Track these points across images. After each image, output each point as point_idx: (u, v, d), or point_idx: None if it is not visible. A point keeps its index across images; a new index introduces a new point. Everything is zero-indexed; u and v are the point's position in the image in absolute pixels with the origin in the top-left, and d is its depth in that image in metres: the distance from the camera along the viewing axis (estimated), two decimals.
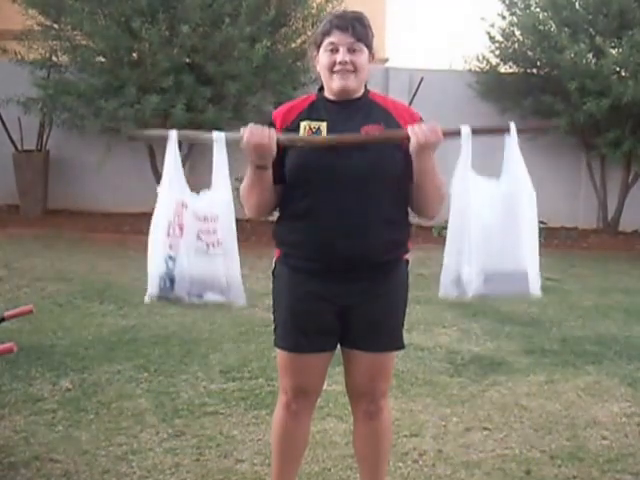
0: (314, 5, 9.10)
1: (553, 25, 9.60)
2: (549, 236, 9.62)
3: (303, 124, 2.44)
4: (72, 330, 5.04)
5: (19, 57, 8.86)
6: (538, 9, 9.82)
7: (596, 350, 5.04)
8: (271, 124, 2.44)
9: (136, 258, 7.34)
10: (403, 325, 2.60)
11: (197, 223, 2.34)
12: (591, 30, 9.39)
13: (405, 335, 2.62)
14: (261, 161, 2.35)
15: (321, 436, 3.51)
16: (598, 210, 10.29)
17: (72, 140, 9.60)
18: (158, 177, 9.15)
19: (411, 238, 2.56)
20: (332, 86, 2.44)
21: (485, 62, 10.12)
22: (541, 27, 9.60)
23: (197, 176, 10.24)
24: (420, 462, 3.32)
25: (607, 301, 6.52)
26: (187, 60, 8.65)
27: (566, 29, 9.31)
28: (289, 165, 2.43)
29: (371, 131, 2.41)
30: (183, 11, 8.38)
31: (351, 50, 2.40)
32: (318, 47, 2.45)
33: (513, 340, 5.20)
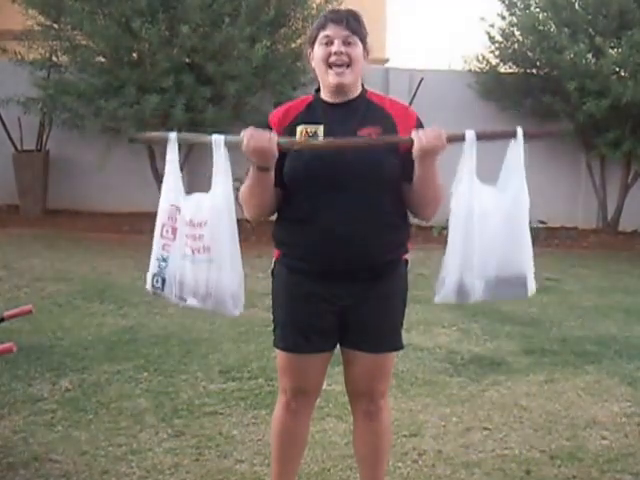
0: (314, 5, 9.09)
1: (553, 25, 9.60)
2: (549, 236, 9.62)
3: (300, 128, 2.44)
4: (72, 330, 5.04)
5: (19, 57, 8.86)
6: (538, 9, 9.83)
7: (596, 350, 5.04)
8: (268, 128, 2.45)
9: (136, 258, 7.35)
10: (402, 325, 2.60)
11: (185, 228, 2.35)
12: (591, 30, 9.39)
13: (405, 335, 2.62)
14: (263, 163, 2.35)
15: (321, 436, 3.51)
16: (598, 210, 10.29)
17: (72, 140, 9.59)
18: (158, 177, 9.15)
19: (411, 238, 2.57)
20: (328, 81, 2.43)
21: (485, 62, 10.13)
22: (541, 27, 9.60)
23: (197, 177, 10.21)
24: (420, 462, 3.32)
25: (607, 301, 6.52)
26: (187, 60, 8.65)
27: (566, 29, 9.31)
28: (288, 168, 2.43)
29: (368, 134, 2.41)
30: (183, 11, 8.38)
31: (346, 43, 2.41)
32: (313, 43, 2.46)
33: (513, 340, 5.20)
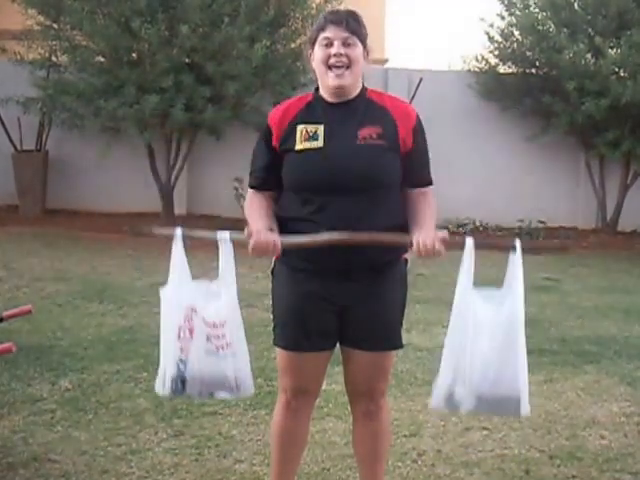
0: (313, 5, 9.09)
1: (552, 25, 9.61)
2: (548, 236, 9.63)
3: (300, 128, 2.44)
4: (71, 330, 5.04)
5: (18, 57, 8.87)
6: (537, 9, 9.84)
7: (595, 350, 5.04)
8: (267, 129, 2.47)
9: (135, 258, 7.35)
10: (402, 324, 2.60)
11: (206, 328, 2.37)
12: (590, 30, 9.39)
13: (404, 335, 2.62)
14: None
15: (320, 436, 3.51)
16: (597, 210, 10.29)
17: (71, 140, 9.59)
18: (157, 177, 9.16)
19: None
20: (327, 83, 2.44)
21: (484, 62, 10.13)
22: (540, 27, 9.61)
23: (197, 177, 10.19)
24: (419, 462, 3.32)
25: (606, 301, 6.52)
26: (186, 60, 8.65)
27: (565, 29, 9.32)
28: (289, 172, 2.44)
29: (369, 134, 2.41)
30: (182, 11, 8.39)
31: (345, 44, 2.41)
32: (313, 44, 2.47)
33: None
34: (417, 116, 2.50)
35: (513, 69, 10.17)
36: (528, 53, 9.82)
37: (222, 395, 2.43)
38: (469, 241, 2.32)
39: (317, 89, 2.52)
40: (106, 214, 9.55)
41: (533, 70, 10.04)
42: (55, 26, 8.92)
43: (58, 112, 9.03)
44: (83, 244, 8.16)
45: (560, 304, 6.29)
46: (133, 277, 6.31)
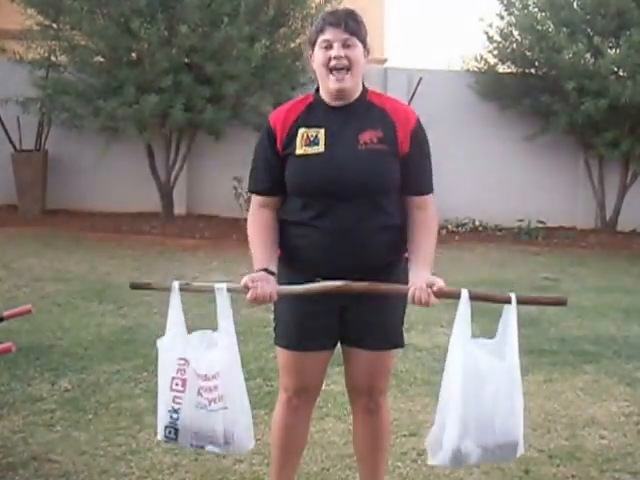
0: (313, 5, 9.10)
1: (551, 25, 9.61)
2: (548, 236, 9.63)
3: (301, 131, 2.44)
4: (71, 330, 5.04)
5: (18, 57, 8.87)
6: (536, 9, 9.84)
7: (594, 350, 5.04)
8: (271, 132, 2.46)
9: (135, 258, 7.35)
10: (403, 323, 2.60)
11: (198, 381, 2.38)
12: (589, 30, 9.40)
13: (404, 335, 2.62)
14: None
15: (320, 436, 3.51)
16: (596, 210, 10.30)
17: (71, 140, 9.60)
18: (157, 177, 9.16)
19: None
20: (328, 86, 2.43)
21: (483, 62, 10.15)
22: (539, 27, 9.62)
23: (197, 176, 10.15)
24: (419, 462, 3.32)
25: (605, 300, 6.52)
26: (186, 60, 8.66)
27: (564, 29, 9.32)
28: (290, 176, 2.44)
29: (369, 138, 2.40)
30: (182, 11, 8.39)
31: (345, 45, 2.39)
32: (313, 46, 2.45)
33: None
34: (417, 120, 2.48)
35: (512, 69, 10.18)
36: (527, 53, 9.83)
37: (211, 449, 2.43)
38: (464, 293, 2.31)
39: (317, 90, 2.52)
40: (106, 214, 9.55)
41: (532, 70, 10.05)
42: (54, 26, 8.92)
43: (57, 112, 9.04)
44: (83, 244, 8.16)
45: None
46: (132, 277, 6.29)
